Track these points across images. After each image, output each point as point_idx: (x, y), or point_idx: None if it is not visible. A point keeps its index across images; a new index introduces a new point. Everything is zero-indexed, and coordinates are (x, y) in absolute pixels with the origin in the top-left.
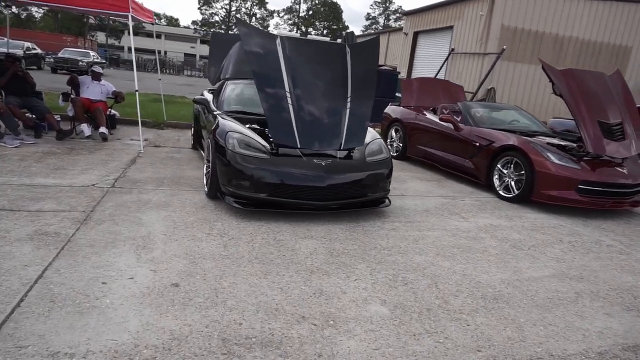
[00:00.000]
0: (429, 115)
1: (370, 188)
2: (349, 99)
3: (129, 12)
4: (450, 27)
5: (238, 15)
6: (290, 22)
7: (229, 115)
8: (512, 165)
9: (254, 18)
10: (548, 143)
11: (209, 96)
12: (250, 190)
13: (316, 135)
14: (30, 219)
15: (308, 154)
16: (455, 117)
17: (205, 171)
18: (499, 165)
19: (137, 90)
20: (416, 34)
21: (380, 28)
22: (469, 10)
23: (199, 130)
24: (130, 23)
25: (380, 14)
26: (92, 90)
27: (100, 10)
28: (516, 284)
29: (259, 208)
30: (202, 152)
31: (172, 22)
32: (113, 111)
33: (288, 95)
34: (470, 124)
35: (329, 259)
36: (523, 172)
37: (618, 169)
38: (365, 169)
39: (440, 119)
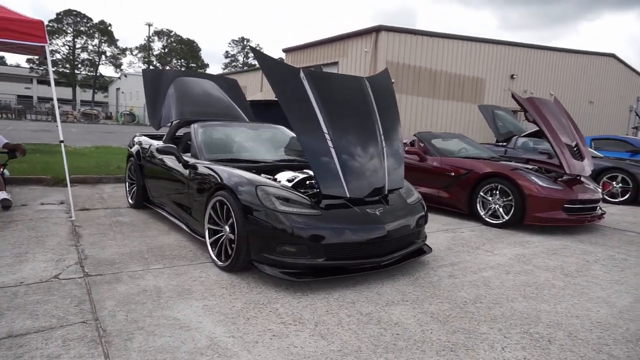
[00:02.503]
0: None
1: (417, 235)
2: (382, 137)
3: (46, 42)
4: (335, 63)
5: (84, 54)
6: (145, 59)
7: (216, 165)
8: (497, 192)
9: (103, 56)
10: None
11: (154, 142)
12: (303, 257)
13: (362, 181)
14: (11, 357)
15: (356, 204)
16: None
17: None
18: (481, 193)
19: (62, 141)
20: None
21: (240, 66)
22: (353, 46)
23: (147, 185)
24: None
25: (239, 52)
26: None
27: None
28: (627, 316)
29: (318, 277)
30: (158, 210)
31: None
32: (4, 170)
33: (327, 137)
34: (434, 154)
35: (443, 327)
36: (510, 197)
37: (587, 186)
38: (411, 212)
39: (406, 152)
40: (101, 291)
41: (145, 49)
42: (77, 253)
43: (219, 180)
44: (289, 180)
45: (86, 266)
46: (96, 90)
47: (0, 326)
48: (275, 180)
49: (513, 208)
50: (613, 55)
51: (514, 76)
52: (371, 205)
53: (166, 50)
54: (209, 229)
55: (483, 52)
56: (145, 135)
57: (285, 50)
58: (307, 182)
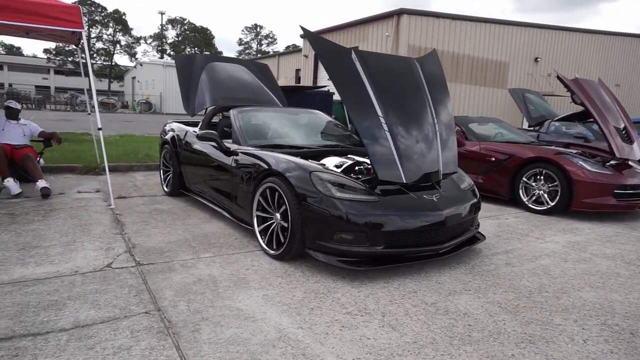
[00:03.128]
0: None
1: (472, 222)
2: (435, 119)
3: (83, 28)
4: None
5: (99, 44)
6: (159, 48)
7: (261, 150)
8: (541, 177)
9: (118, 45)
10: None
11: (190, 129)
12: (360, 245)
13: (417, 166)
14: (83, 349)
15: (412, 190)
16: None
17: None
18: (524, 179)
19: (100, 129)
20: (317, 56)
21: (254, 53)
22: (373, 31)
23: (184, 172)
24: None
25: (252, 39)
26: (11, 133)
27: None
28: None
29: (377, 266)
30: (196, 197)
31: (13, 50)
32: (41, 159)
33: (382, 121)
34: (472, 139)
35: (515, 318)
36: (556, 183)
37: (637, 170)
38: (465, 199)
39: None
40: (157, 280)
41: (159, 37)
42: (124, 241)
43: (268, 167)
44: (337, 166)
45: (136, 255)
46: (112, 80)
47: (65, 316)
48: (323, 166)
49: (559, 194)
50: (639, 36)
51: (538, 59)
52: (427, 191)
53: (180, 38)
54: (257, 216)
55: (506, 35)
56: (178, 122)
57: (303, 36)
58: (357, 168)
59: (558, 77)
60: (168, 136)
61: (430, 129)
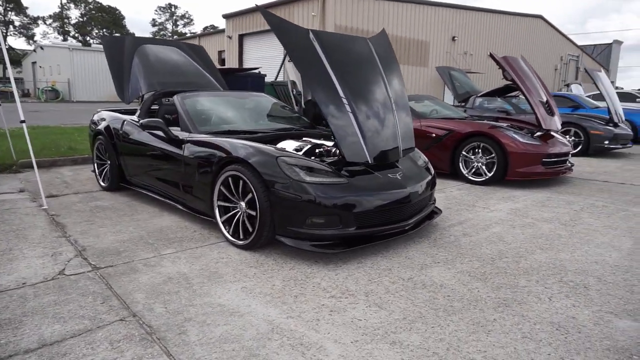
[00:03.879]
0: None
1: (430, 197)
2: (391, 98)
3: None
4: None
5: None
6: (60, 30)
7: (215, 137)
8: (479, 151)
9: (11, 26)
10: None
11: (127, 117)
12: (333, 227)
13: (380, 146)
14: None
15: (375, 169)
16: None
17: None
18: (464, 152)
19: (23, 121)
20: (241, 37)
21: (170, 34)
22: (299, 11)
23: (124, 165)
24: None
25: (167, 20)
26: None
27: None
28: (637, 257)
29: (352, 247)
30: (141, 190)
31: None
32: None
33: (345, 102)
34: (413, 117)
35: (486, 284)
36: (493, 155)
37: (559, 140)
38: (424, 175)
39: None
40: (122, 284)
41: (60, 17)
42: (70, 245)
43: (228, 154)
44: (296, 150)
45: (89, 258)
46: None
47: (27, 335)
48: (284, 150)
49: (496, 165)
50: (540, 17)
51: (455, 38)
52: (389, 170)
53: (85, 19)
54: (219, 206)
55: (426, 15)
56: (109, 111)
57: (226, 17)
58: (317, 151)
59: (490, 55)
60: (101, 126)
61: (387, 108)
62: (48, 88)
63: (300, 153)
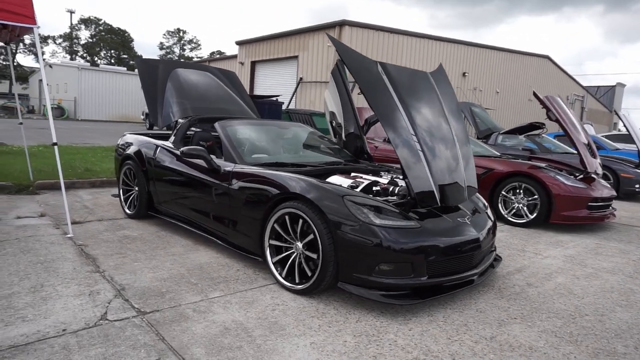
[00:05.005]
0: (387, 146)
1: (493, 243)
2: (455, 137)
3: (35, 24)
4: (295, 57)
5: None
6: (69, 49)
7: (265, 169)
8: (520, 191)
9: (21, 44)
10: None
11: (163, 143)
12: (405, 276)
13: (448, 188)
14: None
15: (443, 212)
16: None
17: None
18: (503, 192)
19: (55, 144)
20: (254, 63)
21: (176, 57)
22: (314, 40)
23: (155, 192)
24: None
25: (174, 44)
26: None
27: None
28: None
29: (424, 299)
30: (172, 220)
31: None
32: None
33: (415, 141)
34: None
35: (578, 348)
36: (536, 196)
37: (602, 184)
38: (487, 219)
39: None
40: (175, 334)
41: (70, 37)
42: (107, 282)
43: (284, 190)
44: (351, 187)
45: (131, 300)
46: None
47: None
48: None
49: (539, 207)
50: (547, 57)
51: (466, 74)
52: (455, 213)
53: (94, 40)
54: (270, 245)
55: (438, 50)
56: (137, 134)
57: (239, 43)
58: (374, 189)
59: (535, 94)
60: (130, 151)
61: (452, 147)
62: (54, 105)
63: (358, 191)
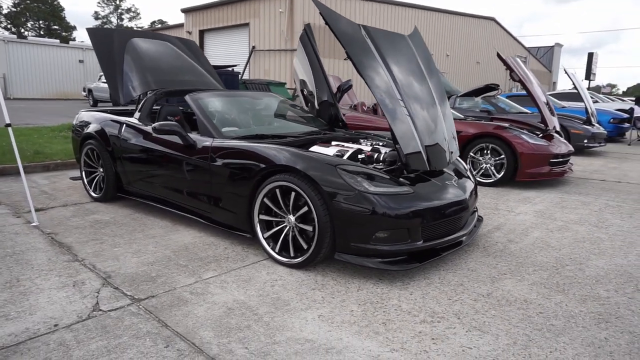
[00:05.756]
0: (367, 115)
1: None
2: (436, 100)
3: None
4: (246, 24)
5: None
6: None
7: (247, 142)
8: (487, 152)
9: None
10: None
11: (127, 120)
12: (402, 242)
13: (435, 152)
14: None
15: (431, 177)
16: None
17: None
18: (471, 153)
19: (8, 125)
20: (202, 32)
21: (114, 28)
22: (265, 7)
23: (124, 172)
24: None
25: (111, 13)
26: None
27: None
28: None
29: (422, 262)
30: (147, 201)
31: None
32: None
33: (403, 105)
34: None
35: (567, 297)
36: (502, 156)
37: (561, 140)
38: (470, 182)
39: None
40: (177, 319)
41: None
42: (90, 271)
43: (271, 163)
44: (338, 156)
45: (121, 287)
46: None
47: None
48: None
49: (505, 166)
50: (493, 19)
51: None
52: (441, 177)
53: (18, 9)
54: (261, 220)
55: (391, 14)
56: (95, 111)
57: (185, 11)
58: (359, 157)
59: (498, 56)
60: (91, 129)
61: (435, 110)
62: None
63: (346, 159)
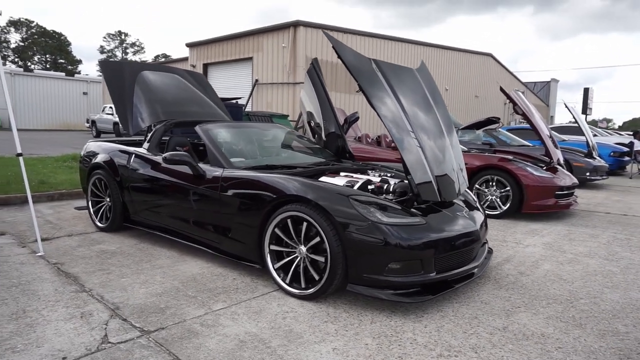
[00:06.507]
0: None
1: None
2: (445, 133)
3: None
4: (249, 59)
5: None
6: None
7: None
8: (493, 184)
9: None
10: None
11: (137, 150)
12: (414, 274)
13: (445, 182)
14: None
15: (441, 207)
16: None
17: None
18: (477, 185)
19: (20, 154)
20: (206, 66)
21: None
22: (268, 41)
23: (131, 202)
24: None
25: (116, 47)
26: None
27: None
28: None
29: (435, 294)
30: (153, 231)
31: None
32: None
33: (414, 137)
34: None
35: (585, 331)
36: (508, 188)
37: (564, 173)
38: (479, 213)
39: (394, 147)
40: (189, 352)
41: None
42: (97, 302)
43: (282, 193)
44: (347, 186)
45: (130, 318)
46: None
47: None
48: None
49: (511, 198)
50: (490, 55)
51: None
52: (452, 208)
53: (26, 43)
54: (271, 251)
55: (392, 50)
56: (102, 141)
57: (190, 45)
58: (369, 188)
59: (502, 90)
60: (99, 159)
61: (444, 142)
62: None
63: (355, 189)
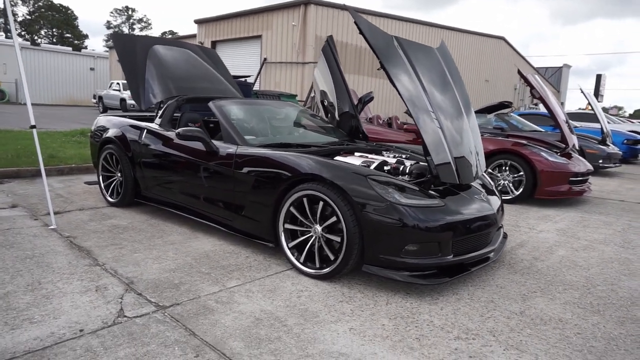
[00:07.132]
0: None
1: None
2: (464, 114)
3: None
4: (259, 37)
5: None
6: (3, 27)
7: (272, 150)
8: (506, 168)
9: None
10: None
11: (149, 125)
12: (433, 255)
13: (463, 165)
14: None
15: (459, 190)
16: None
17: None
18: (489, 169)
19: (33, 126)
20: (214, 43)
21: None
22: (278, 19)
23: (143, 178)
24: None
25: (123, 23)
26: None
27: None
28: None
29: (452, 277)
30: (164, 207)
31: None
32: None
33: (434, 117)
34: None
35: (604, 318)
36: (521, 173)
37: (579, 159)
38: (496, 197)
39: (405, 129)
40: (205, 328)
41: (4, 14)
42: (112, 276)
43: (298, 172)
44: (364, 166)
45: (145, 293)
46: None
47: None
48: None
49: (524, 183)
50: (503, 38)
51: None
52: (470, 191)
53: (33, 17)
54: (285, 230)
55: (402, 31)
56: (113, 116)
57: (198, 22)
58: (385, 169)
59: (519, 73)
60: (111, 134)
61: (464, 124)
62: None
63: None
